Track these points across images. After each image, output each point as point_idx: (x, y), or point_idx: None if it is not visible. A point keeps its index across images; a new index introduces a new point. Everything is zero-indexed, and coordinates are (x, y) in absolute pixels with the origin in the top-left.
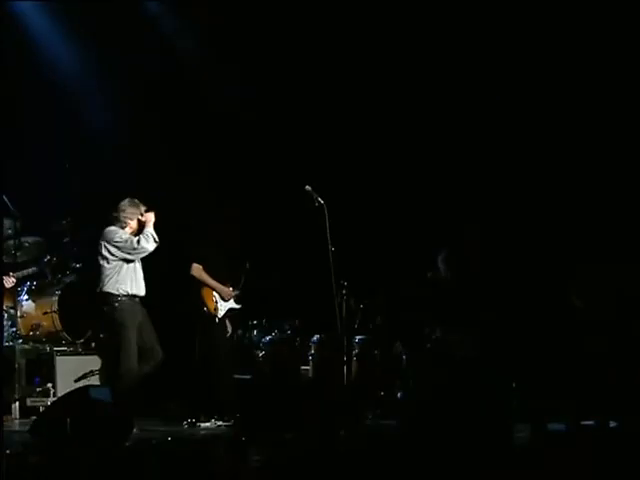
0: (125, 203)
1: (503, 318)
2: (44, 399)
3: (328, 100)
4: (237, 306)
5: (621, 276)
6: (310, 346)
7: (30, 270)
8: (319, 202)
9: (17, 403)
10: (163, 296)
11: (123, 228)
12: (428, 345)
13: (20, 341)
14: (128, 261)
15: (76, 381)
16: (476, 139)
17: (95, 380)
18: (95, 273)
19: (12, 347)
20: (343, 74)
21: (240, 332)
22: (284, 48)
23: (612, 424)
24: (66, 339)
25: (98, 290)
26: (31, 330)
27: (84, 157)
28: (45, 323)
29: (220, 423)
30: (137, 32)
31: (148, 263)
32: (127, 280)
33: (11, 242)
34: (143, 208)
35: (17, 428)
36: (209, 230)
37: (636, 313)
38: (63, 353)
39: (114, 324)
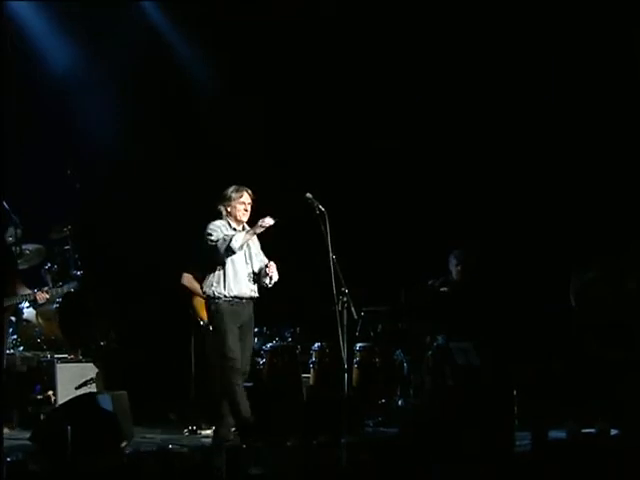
0: (226, 190)
1: (504, 326)
2: (45, 407)
3: (331, 108)
4: None
5: (620, 274)
6: (311, 354)
7: (66, 287)
8: (320, 210)
9: (17, 411)
10: (157, 306)
11: (225, 219)
12: (429, 353)
13: (21, 348)
14: (220, 260)
15: (77, 389)
16: (475, 147)
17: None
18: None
19: (13, 355)
20: (345, 81)
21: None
22: (283, 55)
23: (613, 432)
24: (67, 346)
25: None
26: (32, 338)
27: (85, 163)
28: (46, 330)
29: None
30: (132, 33)
31: (137, 277)
32: (223, 280)
33: (12, 249)
34: (247, 198)
35: (18, 436)
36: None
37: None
38: (64, 360)
39: (213, 329)
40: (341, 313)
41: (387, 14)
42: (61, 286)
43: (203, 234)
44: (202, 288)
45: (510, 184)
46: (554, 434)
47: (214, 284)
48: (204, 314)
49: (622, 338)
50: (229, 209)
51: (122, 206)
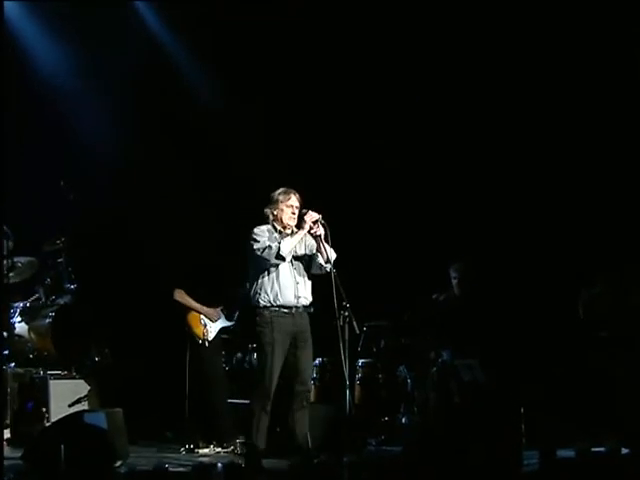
0: (273, 193)
1: (510, 341)
2: (37, 425)
3: (332, 115)
4: (229, 323)
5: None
6: (312, 369)
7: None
8: (318, 223)
9: (9, 429)
10: (152, 322)
11: (271, 224)
12: (434, 369)
13: (12, 364)
14: (264, 267)
15: (70, 406)
16: (476, 158)
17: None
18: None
19: (4, 371)
20: (344, 90)
21: (239, 355)
22: (284, 58)
23: (624, 451)
24: (60, 362)
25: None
26: (24, 353)
27: (80, 173)
28: (38, 346)
29: (219, 449)
30: (130, 38)
31: (133, 291)
32: (268, 288)
33: (4, 262)
34: (296, 201)
35: (9, 455)
36: (187, 251)
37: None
38: (57, 377)
39: (256, 341)
40: (342, 328)
41: (390, 16)
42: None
43: (247, 239)
44: (253, 297)
45: (513, 195)
46: (563, 453)
47: (258, 292)
48: (199, 330)
49: (627, 353)
50: (275, 212)
51: (117, 218)
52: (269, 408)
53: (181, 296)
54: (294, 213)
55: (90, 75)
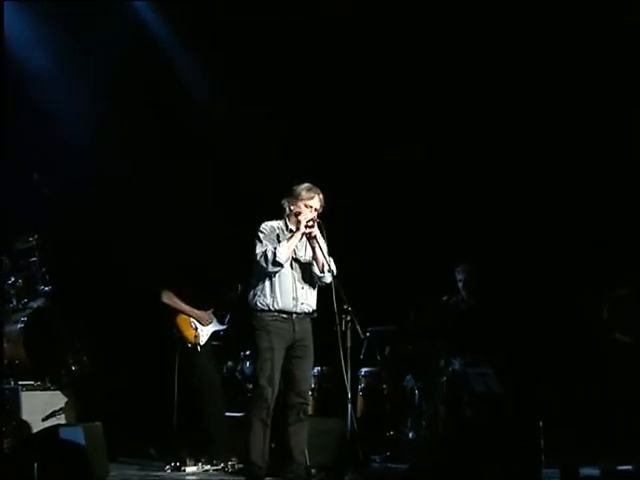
0: (297, 186)
1: (529, 349)
2: (7, 441)
3: (333, 116)
4: (221, 327)
5: None
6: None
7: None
8: (311, 222)
9: None
10: (136, 326)
11: (285, 219)
12: (444, 379)
13: None
14: (265, 272)
15: (44, 420)
16: (484, 159)
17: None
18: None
19: None
20: (344, 90)
21: (231, 364)
22: (283, 58)
23: None
24: (33, 372)
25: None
26: None
27: (55, 166)
28: (9, 353)
29: (208, 467)
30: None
31: (114, 293)
32: (267, 292)
33: None
34: (317, 202)
35: None
36: (174, 249)
37: None
38: (29, 388)
39: (255, 346)
40: (344, 333)
41: (389, 15)
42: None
43: (254, 236)
44: (249, 299)
45: (523, 196)
46: (586, 471)
47: (257, 295)
48: (190, 334)
49: None
50: (293, 207)
51: (96, 214)
52: (269, 421)
53: (169, 298)
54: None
55: (66, 60)
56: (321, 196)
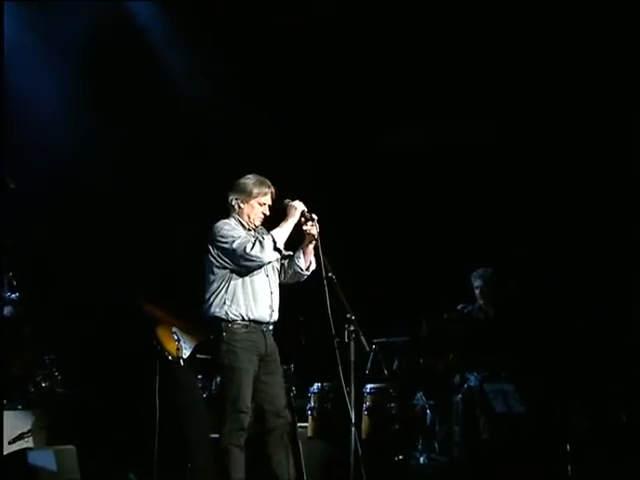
0: (246, 180)
1: (555, 363)
2: None
3: (334, 116)
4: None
5: None
6: (309, 397)
7: None
8: (311, 217)
9: None
10: (112, 339)
11: (236, 218)
12: (459, 397)
13: None
14: (238, 272)
15: (11, 443)
16: (496, 162)
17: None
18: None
19: None
20: (344, 91)
21: (220, 380)
22: (281, 56)
23: None
24: None
25: (203, 313)
26: None
27: (23, 161)
28: None
29: None
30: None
31: (88, 301)
32: (240, 299)
33: None
34: (269, 199)
35: None
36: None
37: None
38: None
39: (221, 361)
40: (347, 346)
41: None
42: None
43: (211, 237)
44: (206, 308)
45: (549, 191)
46: None
47: (226, 302)
48: (171, 346)
49: None
50: (243, 206)
51: (69, 212)
52: (243, 442)
53: (149, 307)
54: (264, 213)
55: (38, 42)
56: (272, 189)
